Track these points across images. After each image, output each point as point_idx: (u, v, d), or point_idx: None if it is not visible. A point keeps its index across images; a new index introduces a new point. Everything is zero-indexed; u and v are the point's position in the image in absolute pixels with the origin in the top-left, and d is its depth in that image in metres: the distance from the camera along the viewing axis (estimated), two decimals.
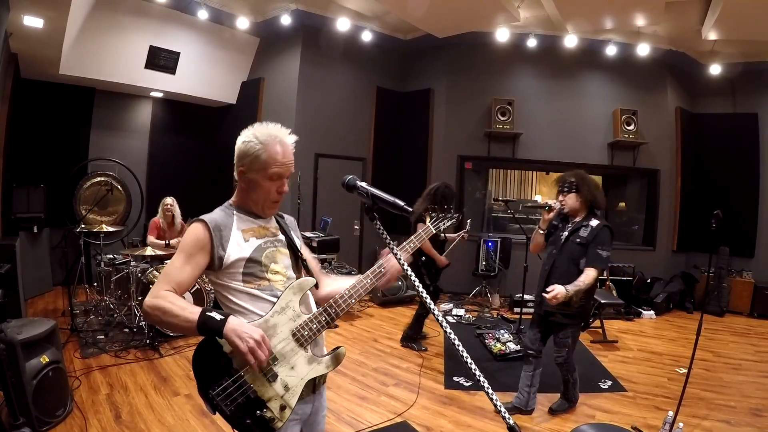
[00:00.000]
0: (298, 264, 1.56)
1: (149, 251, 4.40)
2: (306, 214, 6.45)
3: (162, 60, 6.27)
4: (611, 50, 6.17)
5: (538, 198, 10.67)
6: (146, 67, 6.20)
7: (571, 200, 3.03)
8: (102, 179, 6.40)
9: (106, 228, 4.98)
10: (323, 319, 1.39)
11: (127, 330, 4.41)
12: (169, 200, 5.13)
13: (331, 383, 3.63)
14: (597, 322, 5.05)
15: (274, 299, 1.40)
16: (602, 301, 4.97)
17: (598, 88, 6.68)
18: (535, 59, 6.59)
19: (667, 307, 6.09)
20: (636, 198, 7.24)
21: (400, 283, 6.15)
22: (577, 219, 3.04)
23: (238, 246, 1.41)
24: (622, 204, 7.61)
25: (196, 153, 7.45)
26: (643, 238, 6.84)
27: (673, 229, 6.73)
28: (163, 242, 4.83)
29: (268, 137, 1.41)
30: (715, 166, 6.75)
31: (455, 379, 3.77)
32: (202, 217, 1.43)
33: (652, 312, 5.85)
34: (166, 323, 1.29)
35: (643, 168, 6.67)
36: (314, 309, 1.48)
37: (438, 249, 4.27)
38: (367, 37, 6.38)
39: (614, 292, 5.85)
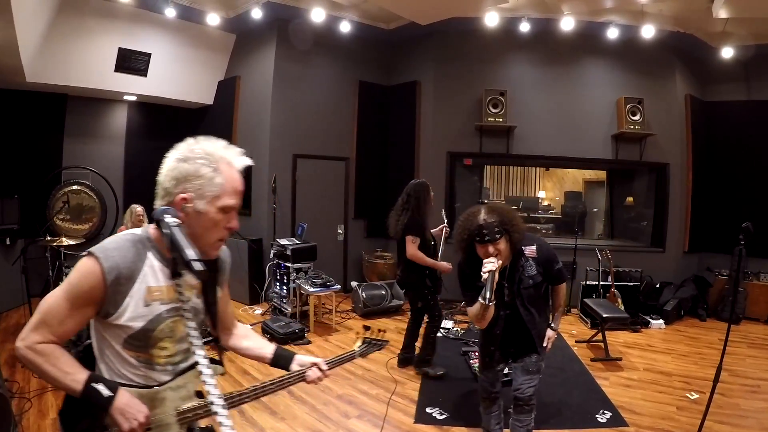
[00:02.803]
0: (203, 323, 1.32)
1: None
2: (284, 219, 6.11)
3: (132, 62, 6.00)
4: (613, 33, 5.61)
5: (542, 194, 10.13)
6: (116, 70, 5.94)
7: (504, 247, 2.22)
8: (76, 188, 6.17)
9: (66, 241, 4.74)
10: (212, 409, 1.17)
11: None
12: (140, 209, 4.79)
13: (287, 413, 3.28)
14: (599, 336, 4.52)
15: (152, 373, 1.21)
16: (604, 315, 4.40)
17: (600, 76, 6.12)
18: (528, 45, 6.08)
19: (678, 315, 5.53)
20: (643, 195, 6.64)
21: (383, 292, 5.74)
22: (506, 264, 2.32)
23: (134, 309, 1.13)
24: (630, 199, 7.04)
25: None
26: (651, 239, 6.26)
27: (685, 228, 6.14)
28: None
29: (220, 156, 1.15)
30: (728, 158, 6.15)
31: (428, 410, 3.34)
32: (99, 254, 1.09)
33: (661, 321, 5.29)
34: (43, 379, 1.18)
35: (651, 162, 6.09)
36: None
37: (432, 254, 3.83)
38: (345, 27, 5.95)
39: (620, 301, 5.32)
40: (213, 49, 6.53)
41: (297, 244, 5.37)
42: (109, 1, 5.36)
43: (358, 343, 1.71)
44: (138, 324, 1.13)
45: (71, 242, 4.87)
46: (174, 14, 5.54)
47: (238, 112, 6.47)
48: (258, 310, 5.74)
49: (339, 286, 5.28)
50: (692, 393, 3.61)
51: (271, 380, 1.37)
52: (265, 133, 6.01)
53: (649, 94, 5.90)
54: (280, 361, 1.47)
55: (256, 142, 6.17)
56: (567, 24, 5.57)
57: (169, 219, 1.05)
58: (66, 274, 4.70)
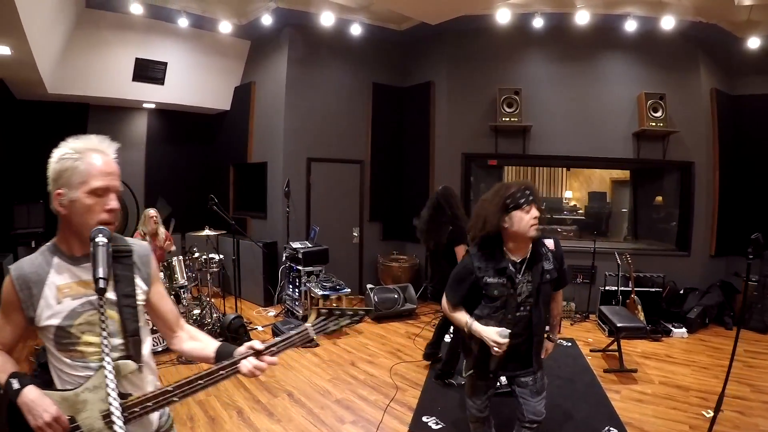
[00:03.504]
0: (135, 320, 1.30)
1: None
2: (299, 223, 6.15)
3: (149, 71, 6.19)
4: (631, 25, 5.36)
5: (569, 194, 9.81)
6: (134, 79, 6.15)
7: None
8: None
9: None
10: (136, 411, 1.23)
11: None
12: (153, 212, 5.05)
13: (284, 415, 3.32)
14: (614, 346, 4.31)
15: (90, 372, 1.24)
16: (619, 325, 4.15)
17: (618, 71, 5.85)
18: (543, 42, 5.87)
19: (703, 323, 5.21)
20: (671, 194, 6.28)
21: (396, 295, 5.70)
22: (517, 254, 2.06)
23: (49, 309, 1.22)
24: (659, 198, 6.71)
25: (194, 162, 7.38)
26: (676, 242, 5.93)
27: (711, 231, 5.78)
28: None
29: (85, 147, 1.23)
30: (758, 155, 5.74)
31: (424, 419, 3.30)
32: (12, 267, 1.24)
33: (684, 330, 5.01)
34: None
35: (675, 160, 5.77)
36: (147, 387, 1.33)
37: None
38: (356, 30, 5.93)
39: (640, 308, 5.03)
40: (228, 56, 6.66)
41: (309, 247, 5.41)
42: (124, 14, 5.52)
43: (312, 317, 1.40)
44: (55, 321, 1.21)
45: None
46: (187, 24, 5.67)
47: (253, 117, 6.57)
48: (271, 312, 5.83)
49: (349, 290, 5.29)
50: (708, 410, 3.34)
51: (197, 374, 1.25)
52: (279, 138, 6.08)
53: (672, 89, 5.59)
54: (223, 358, 1.33)
55: (270, 147, 6.26)
56: (582, 18, 5.37)
57: (99, 239, 1.13)
58: None
